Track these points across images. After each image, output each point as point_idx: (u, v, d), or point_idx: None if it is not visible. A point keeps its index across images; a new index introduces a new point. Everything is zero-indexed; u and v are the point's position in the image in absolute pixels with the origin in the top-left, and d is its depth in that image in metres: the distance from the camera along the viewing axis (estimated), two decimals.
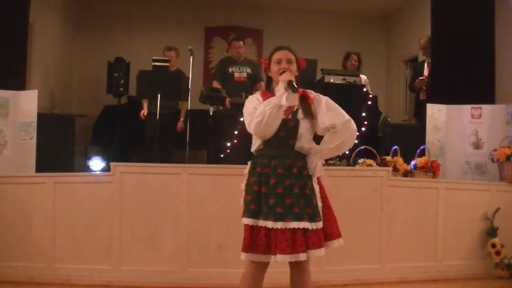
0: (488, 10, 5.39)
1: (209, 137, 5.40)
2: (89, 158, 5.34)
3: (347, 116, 2.47)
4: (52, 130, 4.77)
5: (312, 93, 2.54)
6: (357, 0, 7.69)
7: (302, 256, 2.33)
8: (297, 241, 2.33)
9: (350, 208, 3.88)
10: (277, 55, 2.52)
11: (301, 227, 2.33)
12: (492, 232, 4.08)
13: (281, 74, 2.43)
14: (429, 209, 4.04)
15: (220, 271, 3.68)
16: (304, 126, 2.46)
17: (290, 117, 2.44)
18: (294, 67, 2.51)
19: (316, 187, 2.46)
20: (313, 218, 2.37)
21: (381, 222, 3.91)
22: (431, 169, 4.28)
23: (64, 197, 3.76)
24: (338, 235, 2.51)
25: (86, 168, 5.06)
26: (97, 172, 4.58)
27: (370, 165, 4.10)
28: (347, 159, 4.26)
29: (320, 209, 2.43)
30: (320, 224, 2.39)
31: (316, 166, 2.44)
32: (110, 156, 4.89)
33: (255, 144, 2.52)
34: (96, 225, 3.73)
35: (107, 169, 4.03)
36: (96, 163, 4.91)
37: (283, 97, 2.33)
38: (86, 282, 3.66)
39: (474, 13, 5.34)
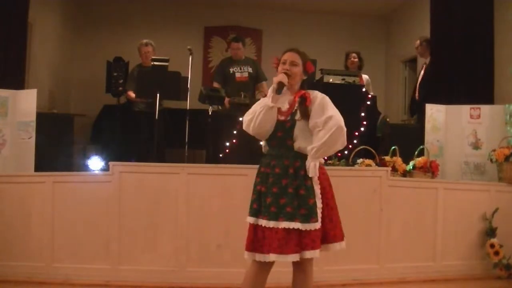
0: (488, 11, 5.39)
1: (208, 137, 5.39)
2: (88, 158, 5.30)
3: (329, 113, 2.41)
4: (51, 129, 4.77)
5: (312, 93, 2.53)
6: (357, 0, 7.68)
7: (292, 257, 2.33)
8: (290, 241, 2.33)
9: (349, 208, 3.88)
10: (284, 56, 2.58)
11: (291, 227, 2.33)
12: (490, 232, 4.08)
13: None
14: (428, 209, 4.05)
15: (219, 271, 3.69)
16: (300, 127, 2.47)
17: (288, 118, 2.48)
18: (296, 69, 2.53)
19: (316, 188, 2.44)
20: (307, 219, 2.36)
21: (380, 222, 3.92)
22: (430, 169, 4.29)
23: (63, 197, 3.76)
24: (340, 238, 2.51)
25: (85, 168, 5.03)
26: (96, 172, 4.56)
27: (369, 165, 4.10)
28: (346, 159, 4.26)
29: (319, 210, 2.41)
30: (316, 225, 2.37)
31: (310, 166, 2.43)
32: (109, 156, 4.86)
33: (262, 145, 2.61)
34: (95, 224, 3.73)
35: (106, 168, 4.02)
36: (95, 163, 4.89)
37: (270, 98, 2.45)
38: (85, 281, 3.65)
39: (473, 13, 5.34)
